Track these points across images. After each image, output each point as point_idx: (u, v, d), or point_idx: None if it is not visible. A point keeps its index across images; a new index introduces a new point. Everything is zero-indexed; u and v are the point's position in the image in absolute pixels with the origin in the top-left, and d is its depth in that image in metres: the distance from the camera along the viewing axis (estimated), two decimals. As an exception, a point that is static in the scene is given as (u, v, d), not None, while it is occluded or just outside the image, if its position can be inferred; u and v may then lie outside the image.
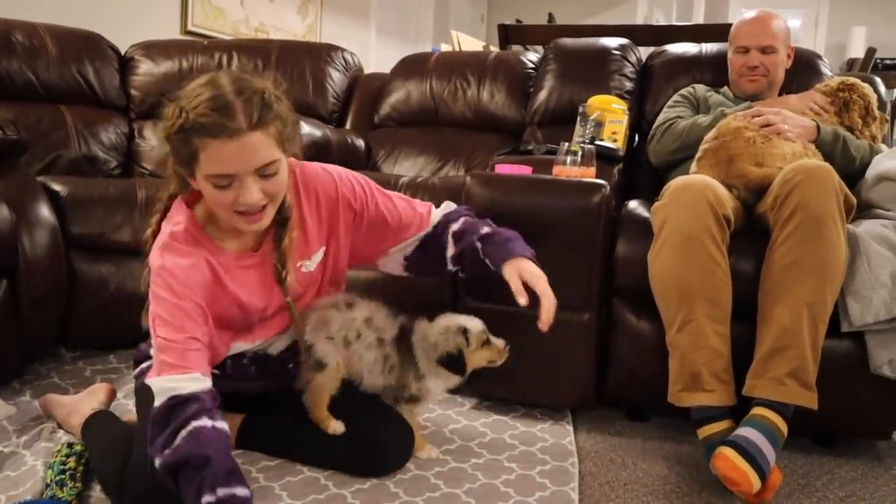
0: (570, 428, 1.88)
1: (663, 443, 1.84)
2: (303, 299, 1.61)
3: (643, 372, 1.86)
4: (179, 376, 1.27)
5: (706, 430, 1.67)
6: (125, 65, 3.03)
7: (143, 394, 1.43)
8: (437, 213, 1.72)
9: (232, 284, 1.44)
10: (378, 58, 5.75)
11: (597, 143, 2.14)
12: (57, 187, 2.17)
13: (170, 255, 1.36)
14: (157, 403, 1.26)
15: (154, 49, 3.06)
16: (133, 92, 2.98)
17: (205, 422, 1.24)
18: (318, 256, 1.59)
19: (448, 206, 1.74)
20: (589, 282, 1.83)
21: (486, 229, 1.65)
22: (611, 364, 1.91)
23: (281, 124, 1.33)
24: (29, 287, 1.94)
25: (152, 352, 1.37)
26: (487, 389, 1.98)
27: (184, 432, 1.22)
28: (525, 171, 1.95)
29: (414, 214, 1.68)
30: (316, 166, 1.60)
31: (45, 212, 2.04)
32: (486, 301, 1.88)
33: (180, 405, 1.25)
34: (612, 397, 1.95)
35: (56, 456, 1.50)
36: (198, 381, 1.28)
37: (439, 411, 1.94)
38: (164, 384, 1.27)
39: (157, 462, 1.24)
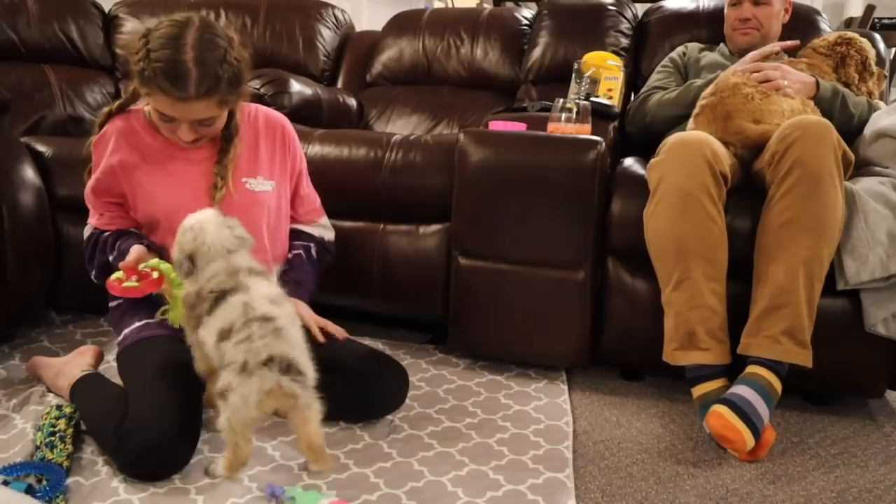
0: (565, 387, 1.87)
1: (657, 401, 1.83)
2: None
3: (638, 331, 1.85)
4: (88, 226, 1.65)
5: (701, 389, 1.67)
6: (109, 23, 2.96)
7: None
8: (314, 229, 1.80)
9: (163, 171, 1.59)
10: (370, 15, 5.64)
11: (592, 99, 2.10)
12: (41, 148, 2.12)
13: (99, 144, 1.61)
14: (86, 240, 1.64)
15: (139, 6, 2.98)
16: (118, 51, 2.91)
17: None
18: (266, 185, 1.66)
19: (324, 232, 1.82)
20: (583, 240, 1.81)
21: (298, 267, 1.72)
22: (605, 323, 1.90)
23: (228, 90, 1.48)
24: (14, 249, 1.90)
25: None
26: (481, 349, 1.97)
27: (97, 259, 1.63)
28: (519, 128, 1.92)
29: (313, 209, 1.81)
30: (281, 116, 1.77)
31: (29, 173, 2.00)
32: (478, 259, 1.87)
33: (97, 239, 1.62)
34: (606, 356, 1.94)
35: (45, 418, 1.49)
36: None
37: (433, 371, 1.93)
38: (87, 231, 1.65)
39: (94, 275, 1.65)
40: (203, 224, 1.40)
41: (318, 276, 1.75)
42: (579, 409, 1.77)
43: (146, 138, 1.61)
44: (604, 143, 1.81)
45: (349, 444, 1.52)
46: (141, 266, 1.46)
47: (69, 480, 1.35)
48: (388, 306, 2.08)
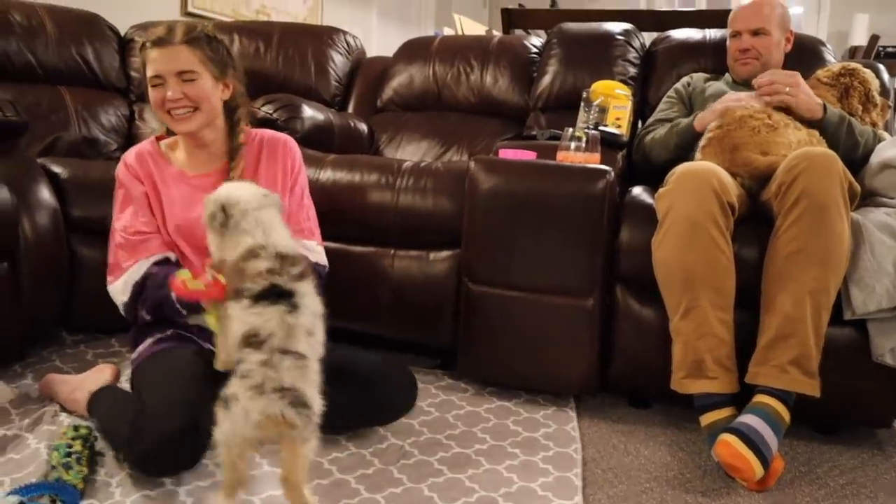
0: (574, 414, 1.88)
1: (666, 429, 1.84)
2: None
3: (646, 359, 1.86)
4: (132, 270, 1.62)
5: (709, 418, 1.68)
6: (125, 46, 3.01)
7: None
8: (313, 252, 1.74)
9: (172, 194, 1.68)
10: (380, 41, 5.70)
11: (601, 128, 2.13)
12: (57, 169, 2.15)
13: (122, 170, 1.71)
14: (125, 298, 1.62)
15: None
16: (133, 74, 2.95)
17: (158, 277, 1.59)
18: None
19: (317, 255, 1.75)
20: (592, 268, 1.83)
21: None
22: (614, 351, 1.91)
23: (210, 51, 1.65)
24: (30, 270, 1.93)
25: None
26: (490, 375, 1.98)
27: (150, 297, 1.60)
28: (529, 156, 1.95)
29: (298, 229, 1.72)
30: (284, 135, 1.83)
31: (45, 194, 2.02)
32: (488, 285, 1.88)
33: (140, 285, 1.61)
34: (614, 384, 1.95)
35: (62, 438, 1.50)
36: (145, 262, 1.62)
37: (442, 396, 1.94)
38: (124, 281, 1.62)
39: (146, 313, 1.62)
40: (226, 186, 1.45)
41: None
42: (588, 437, 1.78)
43: (161, 167, 1.72)
44: (613, 173, 1.84)
45: (359, 470, 1.53)
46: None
47: (83, 502, 1.36)
48: (397, 331, 2.09)
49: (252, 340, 1.25)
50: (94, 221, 2.11)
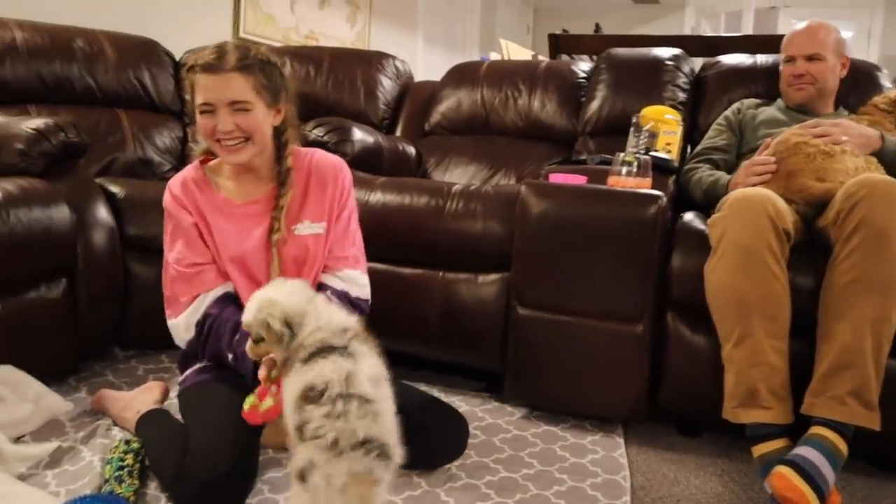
0: (622, 441, 1.85)
1: (716, 459, 1.80)
2: (298, 274, 1.63)
3: (697, 386, 1.83)
4: (193, 307, 1.59)
5: (762, 448, 1.64)
6: (179, 70, 3.09)
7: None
8: (334, 280, 1.68)
9: (221, 225, 1.63)
10: (425, 65, 5.77)
11: (652, 153, 2.12)
12: (114, 189, 2.21)
13: (168, 200, 1.66)
14: (188, 337, 1.59)
15: (208, 55, 3.11)
16: (187, 97, 3.02)
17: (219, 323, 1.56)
18: (315, 228, 1.66)
19: (348, 286, 1.69)
20: (643, 293, 1.81)
21: None
22: (663, 377, 1.88)
23: (264, 78, 1.58)
24: (87, 286, 1.98)
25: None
26: (537, 399, 1.97)
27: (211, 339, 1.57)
28: (579, 180, 1.94)
29: (341, 257, 1.68)
30: (334, 158, 1.76)
31: (103, 213, 2.08)
32: (537, 309, 1.87)
33: (202, 324, 1.58)
34: (663, 411, 1.92)
35: (114, 452, 1.53)
36: (205, 298, 1.59)
37: (489, 420, 1.93)
38: (186, 319, 1.59)
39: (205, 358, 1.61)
40: (269, 294, 1.32)
41: None
42: (636, 464, 1.75)
43: (207, 195, 1.65)
44: (665, 198, 1.82)
45: (406, 491, 1.53)
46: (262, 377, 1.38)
47: (135, 515, 1.38)
48: (445, 353, 2.09)
49: (309, 395, 1.15)
50: (147, 240, 2.17)
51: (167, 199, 1.66)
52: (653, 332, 1.85)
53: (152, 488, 1.49)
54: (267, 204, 1.65)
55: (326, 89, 2.98)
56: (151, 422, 1.63)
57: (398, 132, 3.02)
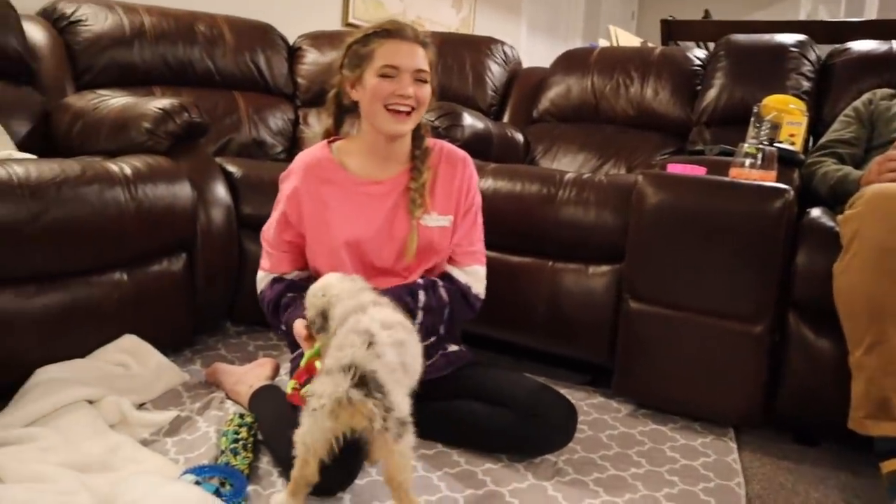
0: (734, 445, 1.78)
1: (837, 471, 1.70)
2: (415, 264, 1.64)
3: (818, 392, 1.73)
4: (260, 276, 1.70)
5: (892, 465, 1.53)
6: (293, 54, 3.16)
7: None
8: (461, 273, 1.69)
9: (340, 205, 1.63)
10: (528, 53, 5.69)
11: (776, 145, 2.01)
12: (232, 168, 2.28)
13: (285, 178, 1.68)
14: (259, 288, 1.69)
15: (320, 39, 3.16)
16: (300, 80, 3.09)
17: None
18: (442, 221, 1.66)
19: (472, 281, 1.69)
20: (764, 292, 1.72)
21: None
22: (782, 381, 1.79)
23: (433, 57, 1.63)
24: (205, 261, 2.05)
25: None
26: (645, 396, 1.91)
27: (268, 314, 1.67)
28: (699, 171, 1.86)
29: (469, 251, 1.70)
30: (461, 151, 1.76)
31: (221, 191, 2.15)
32: (649, 303, 1.82)
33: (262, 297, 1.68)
34: (780, 417, 1.83)
35: (229, 425, 1.57)
36: (266, 277, 1.67)
37: (595, 415, 1.89)
38: (260, 279, 1.70)
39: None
40: (328, 281, 1.41)
41: (433, 310, 1.62)
42: (751, 471, 1.67)
43: (331, 173, 1.65)
44: (792, 192, 1.72)
45: (513, 483, 1.51)
46: (306, 358, 1.45)
47: (249, 488, 1.42)
48: (551, 344, 2.06)
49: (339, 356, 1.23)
50: (261, 219, 2.17)
51: (285, 176, 1.68)
52: (772, 334, 1.76)
53: (264, 462, 1.52)
54: (392, 186, 1.65)
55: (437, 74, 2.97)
56: (264, 397, 1.67)
57: (506, 118, 2.98)
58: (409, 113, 1.59)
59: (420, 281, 1.64)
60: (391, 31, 1.58)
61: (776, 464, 1.72)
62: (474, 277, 1.70)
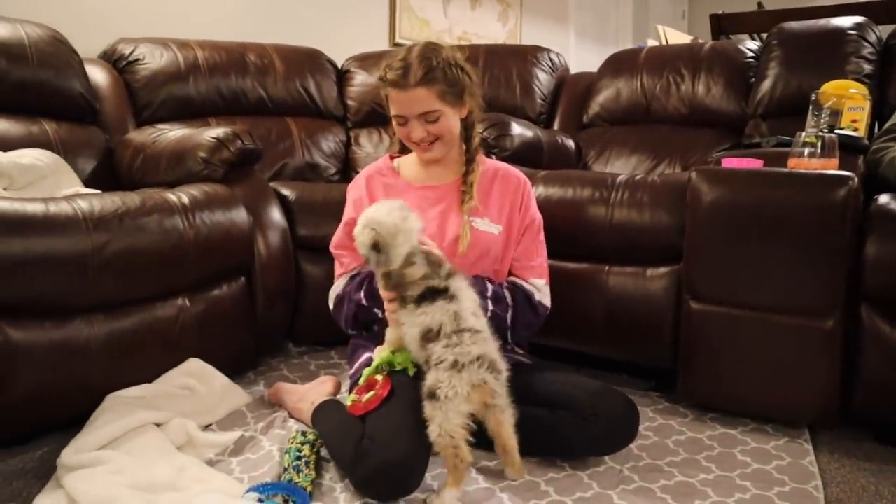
0: (810, 447, 1.70)
1: (925, 471, 1.61)
2: (469, 266, 1.67)
3: (898, 388, 1.65)
4: (336, 284, 1.79)
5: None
6: (342, 77, 3.21)
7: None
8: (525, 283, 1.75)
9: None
10: (577, 59, 5.66)
11: (837, 131, 1.93)
12: (286, 192, 2.32)
13: (351, 186, 1.83)
14: (331, 306, 1.80)
15: (368, 60, 3.21)
16: (349, 102, 3.14)
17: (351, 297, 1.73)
18: (492, 228, 1.72)
19: (535, 291, 1.74)
20: (833, 285, 1.65)
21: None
22: (857, 378, 1.71)
23: (446, 84, 1.64)
24: (264, 284, 2.09)
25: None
26: (712, 400, 1.85)
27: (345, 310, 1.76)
28: (755, 164, 1.81)
29: (528, 266, 1.76)
30: (519, 171, 1.84)
31: (276, 215, 2.19)
32: (712, 303, 1.76)
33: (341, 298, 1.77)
34: (858, 416, 1.75)
35: (292, 442, 1.59)
36: (342, 280, 1.77)
37: (660, 420, 1.84)
38: (333, 290, 1.80)
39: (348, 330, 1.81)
40: (370, 214, 1.51)
41: (502, 310, 1.68)
42: (829, 474, 1.60)
43: (391, 179, 1.80)
44: (856, 179, 1.65)
45: (577, 492, 1.48)
46: (365, 375, 1.60)
47: (312, 504, 1.43)
48: (611, 350, 2.02)
49: (429, 336, 1.44)
50: (317, 240, 2.25)
51: (351, 185, 1.84)
52: (844, 328, 1.68)
53: (327, 479, 1.53)
54: (445, 190, 1.75)
55: (483, 86, 2.95)
56: (327, 411, 1.69)
57: (556, 126, 2.96)
58: (432, 143, 1.69)
59: (505, 284, 1.73)
60: (392, 82, 1.64)
61: (856, 465, 1.64)
62: (535, 287, 1.74)
